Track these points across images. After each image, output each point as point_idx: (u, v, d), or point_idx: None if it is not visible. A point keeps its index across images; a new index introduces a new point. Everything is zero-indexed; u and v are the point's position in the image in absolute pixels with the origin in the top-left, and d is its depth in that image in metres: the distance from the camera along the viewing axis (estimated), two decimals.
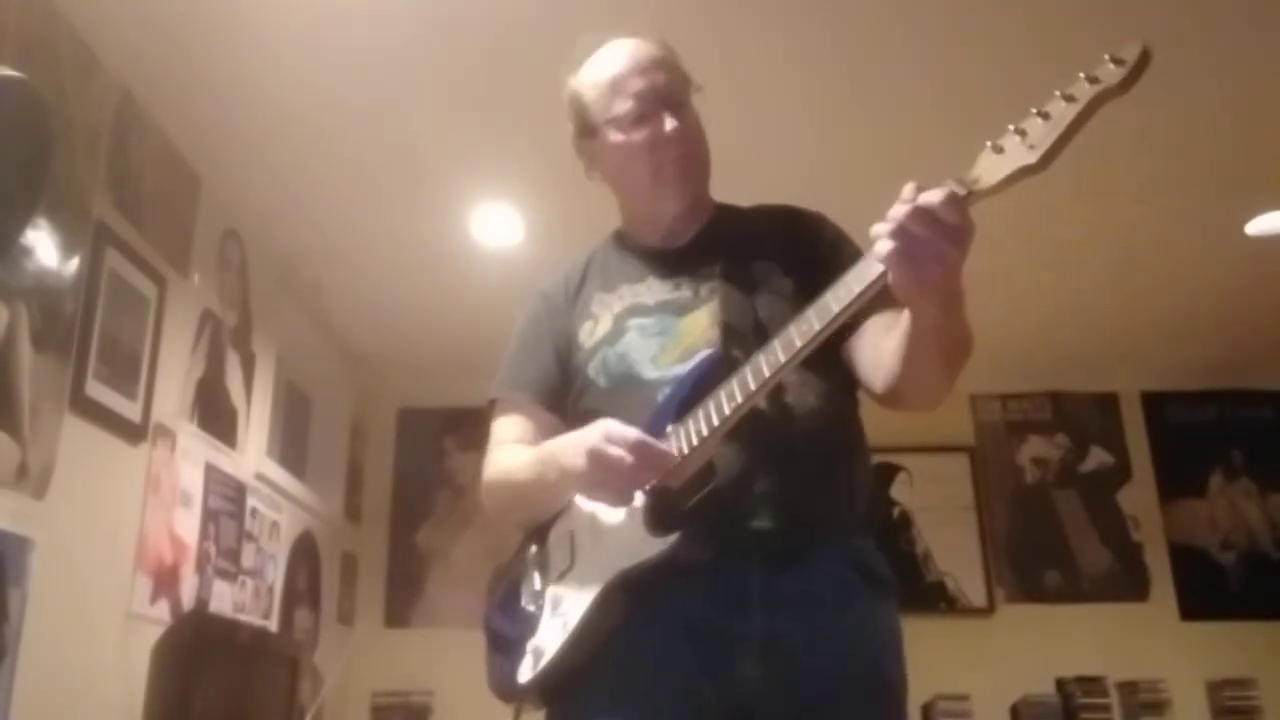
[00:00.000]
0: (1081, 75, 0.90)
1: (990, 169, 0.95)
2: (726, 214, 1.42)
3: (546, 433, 1.32)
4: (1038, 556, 4.36)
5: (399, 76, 2.47)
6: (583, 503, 1.25)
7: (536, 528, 1.33)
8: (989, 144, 0.95)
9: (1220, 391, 4.54)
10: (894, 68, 2.50)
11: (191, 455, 2.70)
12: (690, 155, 1.34)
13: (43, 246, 2.06)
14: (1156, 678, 4.00)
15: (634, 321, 1.31)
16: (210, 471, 2.81)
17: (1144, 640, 4.16)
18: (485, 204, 3.07)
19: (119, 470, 2.35)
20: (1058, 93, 0.91)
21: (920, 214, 0.94)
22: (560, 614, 1.21)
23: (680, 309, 1.30)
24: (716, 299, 1.28)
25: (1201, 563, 4.35)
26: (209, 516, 2.79)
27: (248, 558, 3.06)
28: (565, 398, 1.35)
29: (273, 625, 3.25)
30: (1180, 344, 4.18)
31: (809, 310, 1.06)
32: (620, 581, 1.14)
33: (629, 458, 1.10)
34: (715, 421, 1.11)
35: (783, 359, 1.07)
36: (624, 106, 1.32)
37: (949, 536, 4.37)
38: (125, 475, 2.38)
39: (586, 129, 1.38)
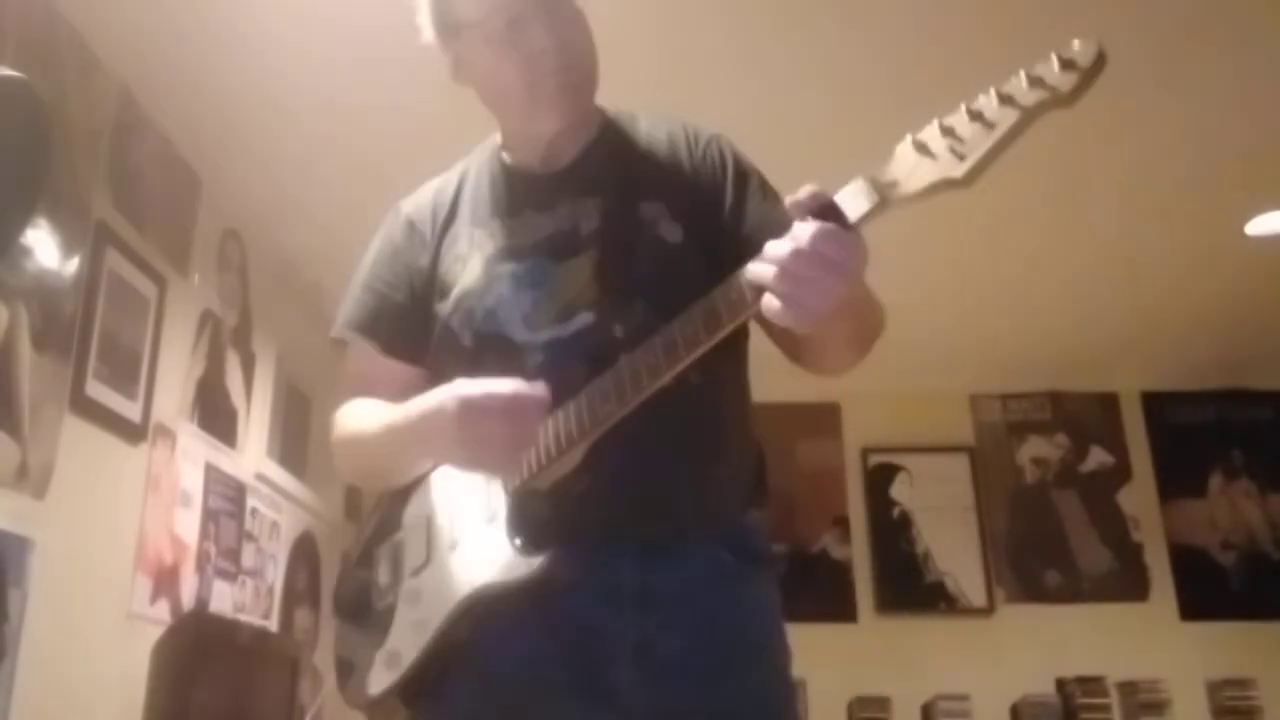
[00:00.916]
0: (1022, 73, 0.77)
1: (911, 174, 0.83)
2: (613, 131, 1.25)
3: (400, 386, 1.17)
4: (1038, 556, 4.37)
5: (399, 75, 2.47)
6: (441, 485, 1.14)
7: (391, 501, 1.21)
8: (910, 139, 0.84)
9: (1220, 391, 4.54)
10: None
11: (191, 455, 2.70)
12: (571, 67, 1.16)
13: (43, 246, 2.06)
14: (1156, 678, 4.00)
15: (506, 268, 1.15)
16: (210, 471, 2.81)
17: (1144, 640, 4.16)
18: None
19: (119, 470, 2.35)
20: (994, 90, 0.79)
21: (807, 258, 0.86)
22: (416, 617, 1.09)
23: (558, 253, 1.14)
24: (596, 247, 1.13)
25: (1201, 563, 4.35)
26: (209, 516, 2.78)
27: (248, 558, 3.06)
28: (424, 343, 1.20)
29: (273, 625, 3.24)
30: (1180, 344, 4.17)
31: (696, 311, 0.96)
32: (480, 597, 1.04)
33: (506, 420, 0.98)
34: (588, 424, 1.01)
35: (664, 366, 0.97)
36: (493, 14, 1.14)
37: (949, 536, 4.38)
38: (125, 475, 2.37)
39: (448, 28, 1.20)
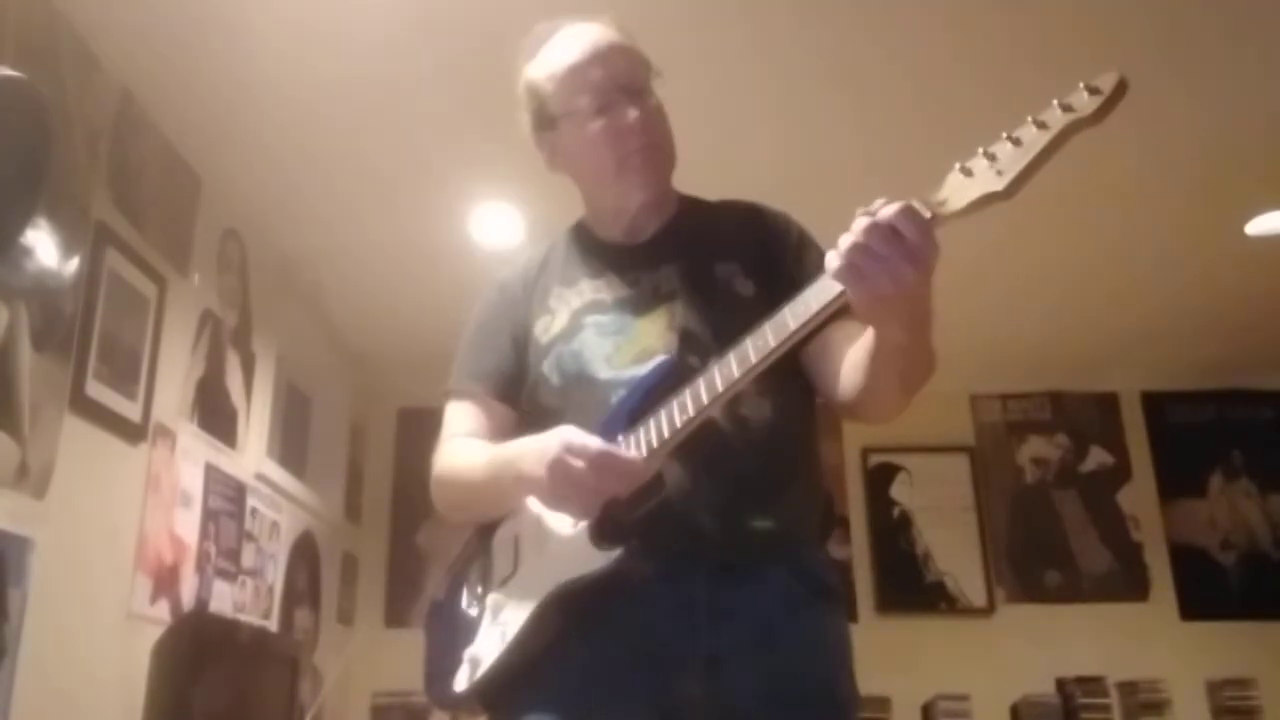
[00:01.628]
0: (1055, 102, 0.88)
1: (957, 192, 0.91)
2: (691, 208, 1.38)
3: (500, 425, 1.29)
4: (1038, 556, 4.37)
5: (399, 76, 2.47)
6: (531, 506, 1.20)
7: (482, 527, 1.30)
8: (957, 165, 0.93)
9: (1220, 391, 4.54)
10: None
11: (191, 455, 2.70)
12: (655, 145, 1.30)
13: (43, 246, 2.06)
14: (1156, 678, 4.01)
15: (591, 319, 1.27)
16: (210, 471, 2.81)
17: (1144, 640, 4.16)
18: (485, 204, 3.07)
19: (119, 470, 2.35)
20: (1030, 118, 0.89)
21: (877, 229, 0.91)
22: (499, 623, 1.18)
23: (639, 308, 1.26)
24: (675, 301, 1.24)
25: (1201, 563, 4.35)
26: (209, 516, 2.78)
27: (248, 558, 3.06)
28: (521, 390, 1.31)
29: (273, 625, 3.25)
30: (1180, 344, 4.18)
31: (765, 325, 1.03)
32: (560, 595, 1.11)
33: (591, 471, 1.06)
34: (666, 434, 1.08)
35: (737, 374, 1.03)
36: (584, 98, 1.28)
37: (949, 536, 4.38)
38: (125, 475, 2.38)
39: (545, 121, 1.33)
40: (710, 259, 1.28)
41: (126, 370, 2.37)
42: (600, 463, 1.06)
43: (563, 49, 1.32)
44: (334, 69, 2.43)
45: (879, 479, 4.48)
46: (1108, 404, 4.59)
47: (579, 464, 1.06)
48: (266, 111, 2.58)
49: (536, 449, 1.11)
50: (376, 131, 2.70)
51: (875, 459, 4.49)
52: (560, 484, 1.07)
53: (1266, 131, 2.76)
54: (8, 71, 1.84)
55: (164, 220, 2.61)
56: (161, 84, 2.45)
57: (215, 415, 2.88)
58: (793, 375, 1.21)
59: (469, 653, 1.20)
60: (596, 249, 1.36)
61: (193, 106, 2.54)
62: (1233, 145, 2.82)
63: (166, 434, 2.55)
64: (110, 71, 2.33)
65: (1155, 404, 4.57)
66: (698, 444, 1.10)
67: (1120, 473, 4.50)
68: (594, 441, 1.08)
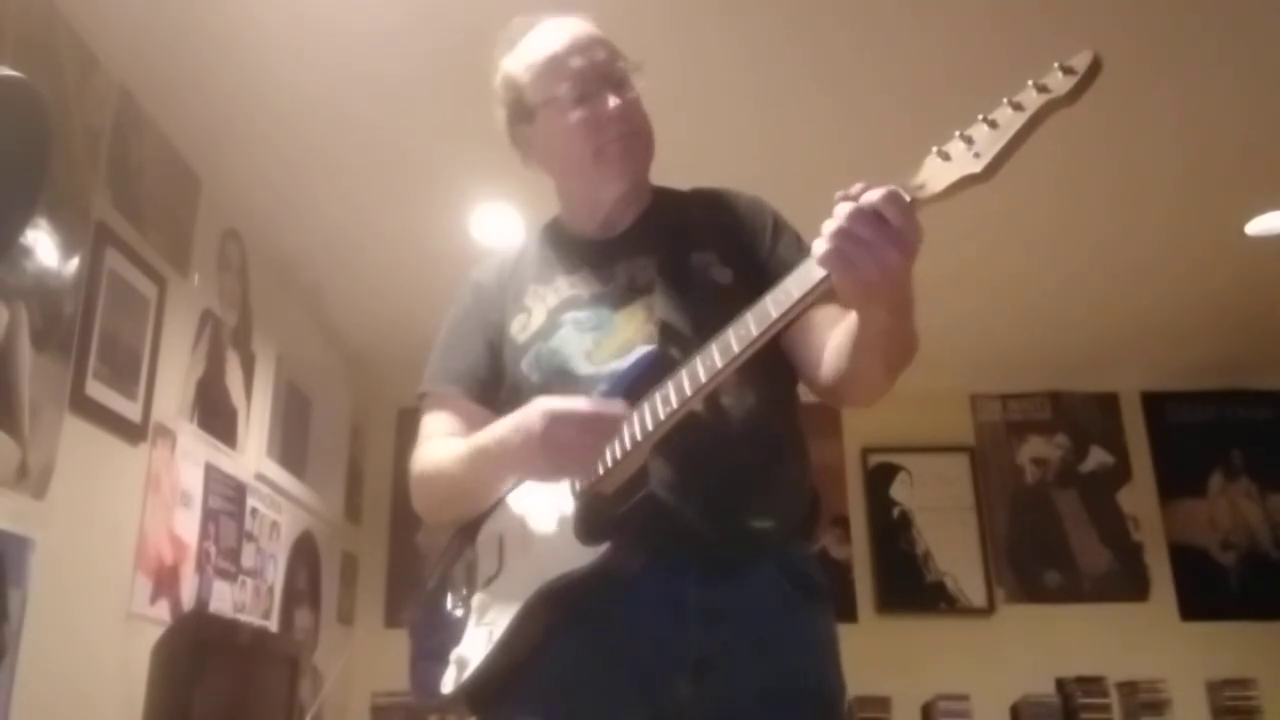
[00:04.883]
0: (1030, 83, 0.88)
1: (935, 176, 0.91)
2: (664, 199, 1.37)
3: (477, 427, 1.26)
4: (1038, 556, 4.37)
5: (399, 77, 2.47)
6: (514, 504, 1.20)
7: (465, 527, 1.28)
8: (935, 150, 0.93)
9: (1220, 391, 4.54)
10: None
11: (191, 455, 2.70)
12: (634, 133, 1.29)
13: (43, 246, 2.06)
14: (1156, 678, 4.00)
15: (569, 315, 1.26)
16: (210, 471, 2.81)
17: (1144, 640, 4.16)
18: (485, 204, 3.07)
19: (119, 470, 2.35)
20: (1005, 100, 0.89)
21: (862, 214, 0.91)
22: (486, 623, 1.16)
23: (617, 302, 1.25)
24: (653, 293, 1.23)
25: (1201, 563, 4.36)
26: (209, 516, 2.79)
27: (248, 558, 3.06)
28: (497, 391, 1.30)
29: (273, 625, 3.25)
30: (1180, 344, 4.18)
31: (748, 314, 1.01)
32: (547, 592, 1.10)
33: (585, 433, 1.06)
34: (649, 426, 1.06)
35: (719, 364, 1.02)
36: (563, 85, 1.27)
37: (949, 536, 4.38)
38: (125, 475, 2.38)
39: (523, 113, 1.33)
40: (686, 249, 1.27)
41: (126, 370, 2.37)
42: (590, 422, 1.07)
43: (541, 40, 1.32)
44: (334, 69, 2.43)
45: (879, 479, 4.48)
46: (1108, 404, 4.59)
47: (570, 430, 1.06)
48: (266, 112, 2.58)
49: (520, 425, 1.10)
50: (377, 132, 2.69)
51: (875, 459, 4.49)
52: (558, 453, 1.07)
53: (1266, 131, 2.76)
54: (8, 71, 1.84)
55: (164, 220, 2.61)
56: (161, 84, 2.45)
57: (215, 415, 2.88)
58: (775, 365, 1.20)
59: (455, 654, 1.18)
60: (571, 245, 1.35)
61: (193, 106, 2.54)
62: (1232, 145, 2.82)
63: (166, 434, 2.55)
64: (110, 71, 2.33)
65: (1155, 404, 4.57)
66: (681, 437, 1.08)
67: (1120, 473, 4.50)
68: (576, 402, 1.09)
